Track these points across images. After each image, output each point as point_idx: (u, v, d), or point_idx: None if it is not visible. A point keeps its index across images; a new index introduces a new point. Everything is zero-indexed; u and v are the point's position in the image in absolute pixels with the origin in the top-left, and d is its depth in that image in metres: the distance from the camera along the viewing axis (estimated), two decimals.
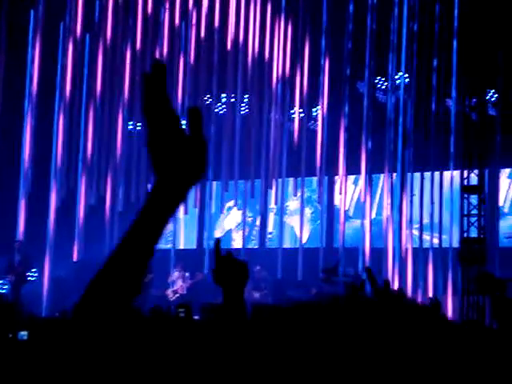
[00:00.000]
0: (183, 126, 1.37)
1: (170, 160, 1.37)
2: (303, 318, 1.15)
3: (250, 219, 17.04)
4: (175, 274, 14.64)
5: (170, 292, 14.33)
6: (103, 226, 16.06)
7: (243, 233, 16.76)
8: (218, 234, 17.23)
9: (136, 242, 1.44)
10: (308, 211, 16.55)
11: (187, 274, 14.46)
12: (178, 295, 14.20)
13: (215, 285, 2.61)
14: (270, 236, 16.91)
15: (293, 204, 16.56)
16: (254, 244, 16.86)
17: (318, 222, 16.34)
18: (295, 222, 16.48)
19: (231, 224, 17.32)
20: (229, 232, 17.30)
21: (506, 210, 15.15)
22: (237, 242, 16.99)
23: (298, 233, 16.34)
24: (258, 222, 16.92)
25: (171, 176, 1.39)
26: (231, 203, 17.10)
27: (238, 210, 17.00)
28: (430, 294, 14.30)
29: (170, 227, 17.37)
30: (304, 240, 16.34)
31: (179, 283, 14.36)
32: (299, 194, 16.22)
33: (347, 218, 15.70)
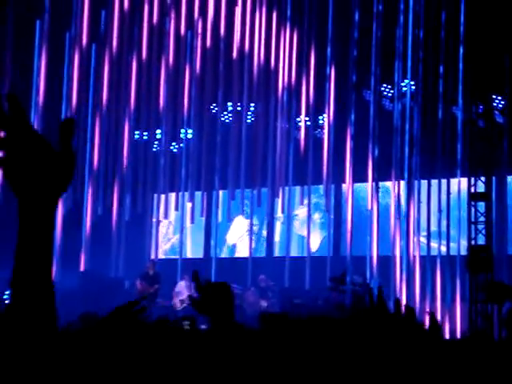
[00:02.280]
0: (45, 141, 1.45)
1: (27, 177, 1.40)
2: (310, 330, 1.12)
3: (256, 228, 17.02)
4: (181, 284, 14.61)
5: (176, 301, 14.29)
6: (110, 235, 16.05)
7: (250, 242, 16.72)
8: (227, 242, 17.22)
9: (21, 263, 1.40)
10: (317, 217, 16.47)
11: (193, 285, 14.40)
12: (185, 305, 14.16)
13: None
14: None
15: (301, 212, 16.48)
16: (260, 253, 16.81)
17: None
18: (304, 230, 16.41)
19: (237, 234, 17.27)
20: (234, 242, 17.29)
21: None
22: (242, 252, 16.98)
23: (307, 241, 16.28)
24: (264, 231, 16.89)
25: (30, 193, 1.40)
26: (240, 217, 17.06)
27: (246, 218, 16.97)
28: (438, 302, 14.23)
29: (176, 237, 17.35)
30: (315, 248, 16.29)
31: (185, 293, 14.32)
32: (306, 201, 16.18)
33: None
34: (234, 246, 17.24)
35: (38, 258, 1.40)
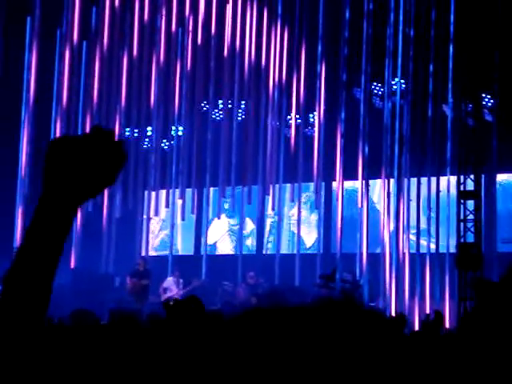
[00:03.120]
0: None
1: (65, 176, 1.38)
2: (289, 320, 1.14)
3: (237, 227, 17.04)
4: (169, 280, 14.63)
5: (165, 298, 14.30)
6: (100, 232, 16.05)
7: (239, 239, 16.75)
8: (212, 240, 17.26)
9: (23, 263, 1.35)
10: (314, 217, 16.46)
11: (181, 281, 14.48)
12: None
13: (212, 290, 2.61)
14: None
15: (297, 213, 16.42)
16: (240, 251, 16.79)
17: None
18: (301, 229, 16.42)
19: (217, 233, 17.26)
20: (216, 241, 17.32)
21: None
22: (224, 250, 17.04)
23: (304, 240, 16.31)
24: (244, 231, 16.89)
25: (59, 191, 1.39)
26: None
27: (228, 217, 17.01)
28: (427, 299, 14.30)
29: (166, 232, 17.36)
30: (309, 246, 16.33)
31: (174, 289, 14.35)
32: (302, 199, 16.22)
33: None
34: (214, 244, 17.22)
35: (44, 261, 1.34)
